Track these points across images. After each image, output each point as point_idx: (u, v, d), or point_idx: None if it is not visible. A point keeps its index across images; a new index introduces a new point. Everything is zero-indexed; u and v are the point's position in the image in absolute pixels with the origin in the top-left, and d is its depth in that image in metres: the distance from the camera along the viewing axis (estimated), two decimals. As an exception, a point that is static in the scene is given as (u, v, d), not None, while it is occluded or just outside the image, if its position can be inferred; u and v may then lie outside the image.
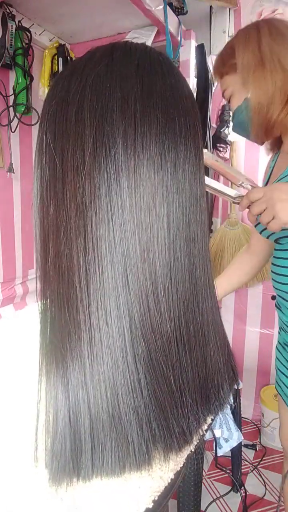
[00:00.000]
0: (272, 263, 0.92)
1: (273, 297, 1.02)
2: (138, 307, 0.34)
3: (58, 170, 0.35)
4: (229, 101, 0.89)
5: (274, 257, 0.91)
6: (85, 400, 0.33)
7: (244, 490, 1.48)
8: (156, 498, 0.37)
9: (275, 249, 0.92)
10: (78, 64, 0.38)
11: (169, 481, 0.38)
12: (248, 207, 0.75)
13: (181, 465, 0.41)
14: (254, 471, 1.60)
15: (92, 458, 0.33)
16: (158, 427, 0.35)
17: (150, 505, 0.36)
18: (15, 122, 1.38)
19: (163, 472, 0.37)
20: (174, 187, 0.35)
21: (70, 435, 0.32)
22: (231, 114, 0.93)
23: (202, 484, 1.28)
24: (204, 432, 0.43)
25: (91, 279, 0.33)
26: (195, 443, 0.41)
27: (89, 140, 0.33)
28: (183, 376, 0.37)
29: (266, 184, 0.97)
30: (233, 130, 0.94)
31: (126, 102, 0.34)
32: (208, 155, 0.76)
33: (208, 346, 0.40)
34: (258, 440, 1.79)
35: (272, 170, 0.95)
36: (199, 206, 0.38)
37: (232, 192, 0.80)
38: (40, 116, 0.39)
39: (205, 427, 0.42)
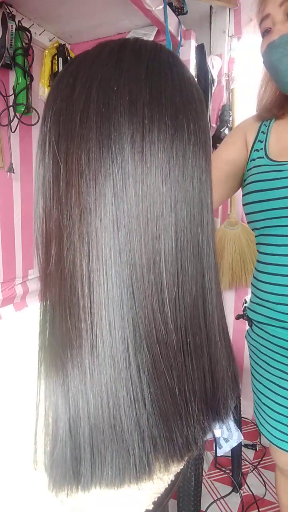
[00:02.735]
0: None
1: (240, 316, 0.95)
2: (143, 317, 0.33)
3: (62, 172, 0.34)
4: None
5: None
6: (85, 410, 0.32)
7: (244, 490, 1.48)
8: (156, 500, 0.37)
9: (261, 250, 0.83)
10: (85, 60, 0.36)
11: (169, 482, 0.38)
12: None
13: (182, 467, 0.41)
14: (254, 471, 1.60)
15: (91, 468, 0.32)
16: (160, 438, 0.34)
17: (150, 507, 0.36)
18: (15, 122, 1.38)
19: (163, 474, 0.37)
20: (182, 195, 0.34)
21: (71, 443, 0.32)
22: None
23: (202, 484, 1.28)
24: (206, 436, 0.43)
25: (94, 287, 0.32)
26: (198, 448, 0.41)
27: (95, 145, 0.32)
28: (189, 387, 0.36)
29: (262, 152, 0.85)
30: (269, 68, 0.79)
31: (134, 106, 0.32)
32: None
33: (216, 355, 0.39)
34: (258, 440, 1.79)
35: (268, 138, 0.85)
36: (208, 215, 0.37)
37: None
38: (43, 111, 0.37)
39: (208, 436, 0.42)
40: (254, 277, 0.88)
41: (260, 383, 0.86)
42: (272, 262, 0.80)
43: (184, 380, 0.35)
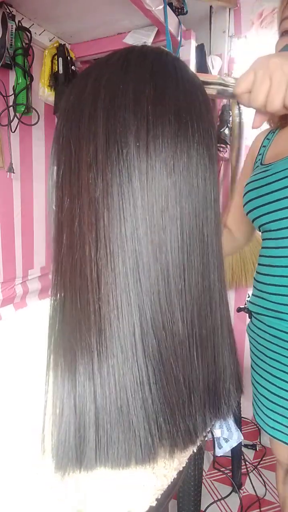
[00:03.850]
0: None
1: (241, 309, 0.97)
2: (150, 304, 0.34)
3: (74, 164, 0.36)
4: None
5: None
6: (91, 390, 0.33)
7: (244, 490, 1.48)
8: (160, 497, 0.37)
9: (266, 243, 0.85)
10: (96, 65, 0.39)
11: (172, 480, 0.38)
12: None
13: (184, 465, 0.41)
14: (254, 471, 1.60)
15: (96, 447, 0.33)
16: (165, 423, 0.35)
17: (154, 503, 0.36)
18: (15, 122, 1.38)
19: (167, 470, 0.38)
20: (187, 190, 0.36)
21: (75, 422, 0.33)
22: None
23: (202, 484, 1.28)
24: (207, 434, 0.43)
25: (102, 273, 0.34)
26: (198, 444, 0.42)
27: (102, 138, 0.34)
28: (193, 377, 0.37)
29: (259, 162, 0.88)
30: None
31: (139, 103, 0.34)
32: None
33: (220, 349, 0.40)
34: (258, 440, 1.79)
35: (267, 148, 0.88)
36: (213, 211, 0.38)
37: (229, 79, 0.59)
38: (59, 111, 0.41)
39: (208, 429, 0.42)
40: (256, 271, 0.91)
41: (258, 374, 0.89)
42: (273, 255, 0.82)
43: (188, 370, 0.37)
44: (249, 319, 0.94)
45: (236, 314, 1.92)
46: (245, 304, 0.99)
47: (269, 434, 0.85)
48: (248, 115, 1.72)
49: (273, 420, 0.84)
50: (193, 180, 0.36)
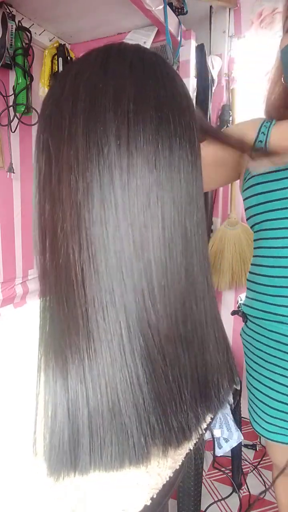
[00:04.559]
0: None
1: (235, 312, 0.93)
2: (134, 304, 0.34)
3: (54, 169, 0.35)
4: None
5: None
6: (83, 394, 0.33)
7: (244, 490, 1.48)
8: (155, 496, 0.37)
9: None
10: (74, 64, 0.39)
11: (168, 479, 0.38)
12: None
13: (180, 463, 0.41)
14: (254, 471, 1.59)
15: (90, 451, 0.33)
16: (157, 421, 0.35)
17: (148, 503, 0.36)
18: (15, 122, 1.38)
19: (160, 469, 0.37)
20: (169, 186, 0.35)
21: (68, 428, 0.33)
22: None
23: (202, 484, 1.28)
24: (204, 431, 0.43)
25: (86, 275, 0.34)
26: (194, 442, 0.41)
27: (82, 139, 0.34)
28: (182, 373, 0.37)
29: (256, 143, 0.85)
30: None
31: (119, 101, 0.34)
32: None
33: (207, 343, 0.40)
34: (258, 440, 1.79)
35: (268, 135, 0.83)
36: (196, 205, 0.38)
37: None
38: (39, 114, 0.40)
39: (205, 425, 0.42)
40: (250, 272, 0.89)
41: (255, 379, 0.86)
42: (271, 255, 0.80)
43: (176, 366, 0.37)
44: (244, 323, 0.91)
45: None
46: (238, 307, 0.96)
47: (269, 439, 0.84)
48: (248, 115, 1.72)
49: (273, 425, 0.82)
50: (175, 175, 0.36)
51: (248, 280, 0.90)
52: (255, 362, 0.86)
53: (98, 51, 0.38)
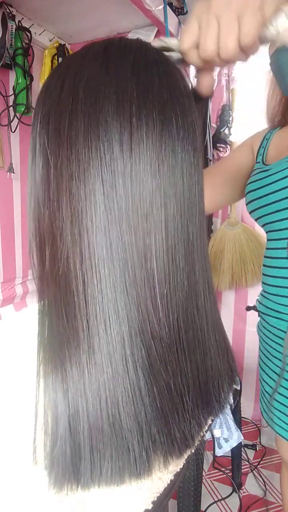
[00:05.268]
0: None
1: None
2: (137, 314, 0.33)
3: (53, 175, 0.34)
4: None
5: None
6: (84, 409, 0.32)
7: (244, 490, 1.48)
8: (155, 499, 0.37)
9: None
10: (72, 62, 0.36)
11: (169, 482, 0.38)
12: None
13: (181, 466, 0.41)
14: (254, 471, 1.59)
15: (91, 467, 0.32)
16: (159, 433, 0.34)
17: (149, 506, 0.36)
18: (15, 122, 1.38)
19: (162, 473, 0.37)
20: (171, 191, 0.34)
21: (70, 442, 0.32)
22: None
23: (202, 484, 1.28)
24: (204, 433, 0.43)
25: (88, 286, 0.32)
26: (196, 445, 0.41)
27: (83, 145, 0.32)
28: (183, 382, 0.36)
29: (261, 162, 0.87)
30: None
31: (121, 104, 0.33)
32: None
33: (208, 349, 0.39)
34: (258, 440, 1.79)
35: (267, 148, 0.87)
36: (197, 209, 0.38)
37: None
38: (32, 115, 0.37)
39: (205, 428, 0.42)
40: (262, 272, 0.93)
41: (265, 372, 0.90)
42: (275, 256, 0.83)
43: (178, 375, 0.36)
44: (258, 318, 0.97)
45: (236, 314, 1.92)
46: (255, 303, 1.01)
47: (275, 431, 0.87)
48: (248, 115, 1.72)
49: (278, 418, 0.85)
50: (178, 180, 0.35)
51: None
52: (265, 356, 0.90)
53: (98, 46, 0.36)
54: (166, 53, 0.41)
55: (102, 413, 0.32)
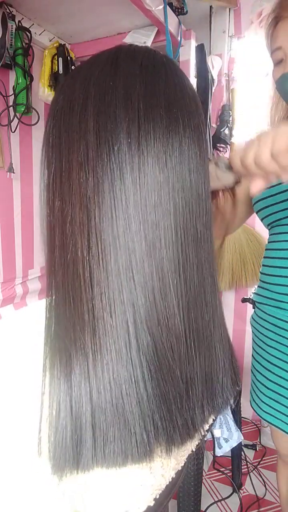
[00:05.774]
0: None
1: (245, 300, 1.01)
2: (144, 301, 0.34)
3: (64, 165, 0.36)
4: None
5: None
6: (87, 390, 0.33)
7: (244, 490, 1.48)
8: (158, 497, 0.37)
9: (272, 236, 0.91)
10: (85, 64, 0.39)
11: (171, 479, 0.38)
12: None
13: (182, 464, 0.41)
14: (254, 471, 1.59)
15: (93, 448, 0.33)
16: (161, 419, 0.35)
17: (152, 503, 0.36)
18: (15, 122, 1.38)
19: (164, 470, 0.37)
20: (179, 185, 0.36)
21: (71, 424, 0.33)
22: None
23: (202, 484, 1.28)
24: (206, 432, 0.43)
25: (94, 272, 0.34)
26: (197, 443, 0.42)
27: (93, 136, 0.34)
28: (191, 370, 0.37)
29: None
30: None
31: (130, 99, 0.34)
32: None
33: (214, 342, 0.40)
34: (258, 440, 1.79)
35: None
36: (205, 207, 0.39)
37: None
38: (49, 111, 0.40)
39: (207, 426, 0.42)
40: (262, 264, 0.96)
41: (257, 361, 0.94)
42: (279, 248, 0.88)
43: (185, 363, 0.37)
44: (253, 309, 1.00)
45: (236, 314, 1.92)
46: (251, 295, 1.05)
47: (263, 419, 0.91)
48: (248, 115, 1.72)
49: (268, 405, 0.88)
50: (185, 175, 0.36)
51: (260, 272, 0.98)
52: (258, 346, 0.93)
53: (108, 52, 0.39)
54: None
55: (106, 395, 0.33)
